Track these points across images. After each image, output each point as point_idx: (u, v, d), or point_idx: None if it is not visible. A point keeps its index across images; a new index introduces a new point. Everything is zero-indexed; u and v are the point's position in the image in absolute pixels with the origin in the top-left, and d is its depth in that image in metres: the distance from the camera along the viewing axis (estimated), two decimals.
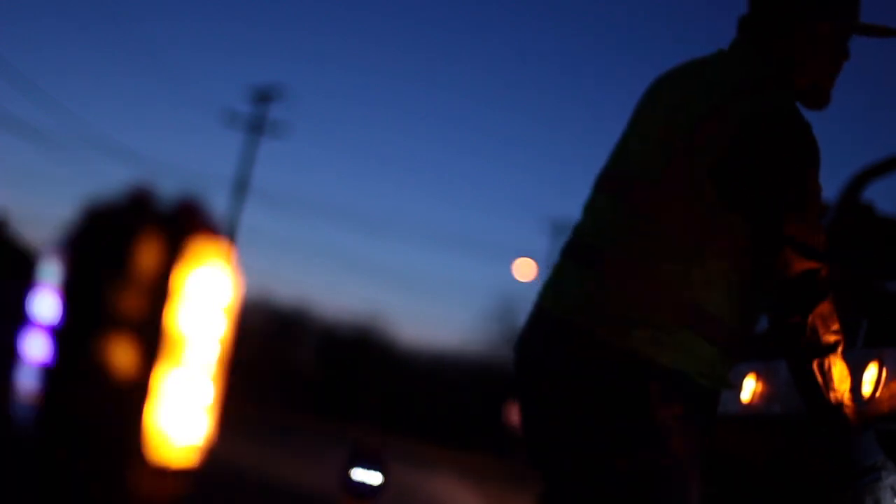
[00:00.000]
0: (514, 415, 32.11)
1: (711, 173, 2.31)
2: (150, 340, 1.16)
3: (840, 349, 2.38)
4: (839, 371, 2.37)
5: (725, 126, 2.33)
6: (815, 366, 2.36)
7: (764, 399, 3.34)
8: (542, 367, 2.42)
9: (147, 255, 1.16)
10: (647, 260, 2.33)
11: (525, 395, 2.50)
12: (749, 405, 3.44)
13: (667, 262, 2.32)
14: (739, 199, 2.33)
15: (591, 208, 2.53)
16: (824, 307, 2.35)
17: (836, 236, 3.86)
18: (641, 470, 2.30)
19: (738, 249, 2.35)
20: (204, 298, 1.20)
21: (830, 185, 2.50)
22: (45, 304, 1.16)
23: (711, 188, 2.32)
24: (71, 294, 1.16)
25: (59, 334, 1.16)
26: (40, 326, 1.15)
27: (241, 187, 30.42)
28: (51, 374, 1.15)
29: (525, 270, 37.36)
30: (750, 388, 3.45)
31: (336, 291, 68.94)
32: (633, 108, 2.63)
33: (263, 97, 31.14)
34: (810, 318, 2.33)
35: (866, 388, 2.86)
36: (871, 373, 2.88)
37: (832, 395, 2.37)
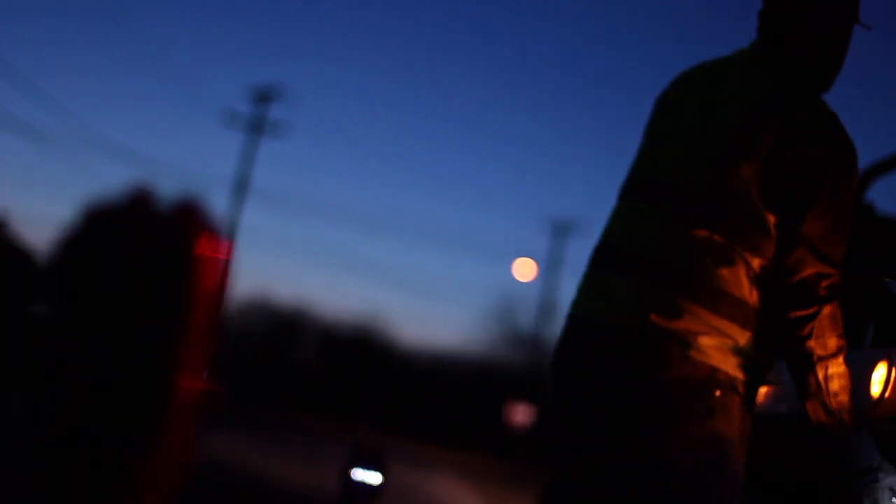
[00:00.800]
0: (523, 415, 32.07)
1: (755, 177, 2.33)
2: (150, 335, 1.15)
3: (843, 354, 2.38)
4: (841, 376, 2.37)
5: (769, 131, 2.35)
6: (817, 369, 2.36)
7: (769, 399, 3.32)
8: (591, 375, 2.41)
9: (146, 254, 1.15)
10: (700, 267, 2.34)
11: (568, 400, 2.50)
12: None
13: (719, 267, 2.33)
14: (776, 200, 2.35)
15: (623, 216, 2.53)
16: (831, 311, 2.35)
17: None
18: (697, 471, 2.31)
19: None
20: (201, 294, 1.19)
21: None
22: None
23: (756, 192, 2.34)
24: (71, 293, 1.15)
25: (58, 332, 1.15)
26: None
27: (241, 187, 30.42)
28: (46, 370, 1.15)
29: (525, 270, 37.38)
30: None
31: (336, 291, 68.92)
32: (653, 112, 2.64)
33: (263, 97, 31.12)
34: (816, 321, 2.34)
35: (875, 389, 2.84)
36: (879, 373, 2.86)
37: (831, 399, 2.37)
